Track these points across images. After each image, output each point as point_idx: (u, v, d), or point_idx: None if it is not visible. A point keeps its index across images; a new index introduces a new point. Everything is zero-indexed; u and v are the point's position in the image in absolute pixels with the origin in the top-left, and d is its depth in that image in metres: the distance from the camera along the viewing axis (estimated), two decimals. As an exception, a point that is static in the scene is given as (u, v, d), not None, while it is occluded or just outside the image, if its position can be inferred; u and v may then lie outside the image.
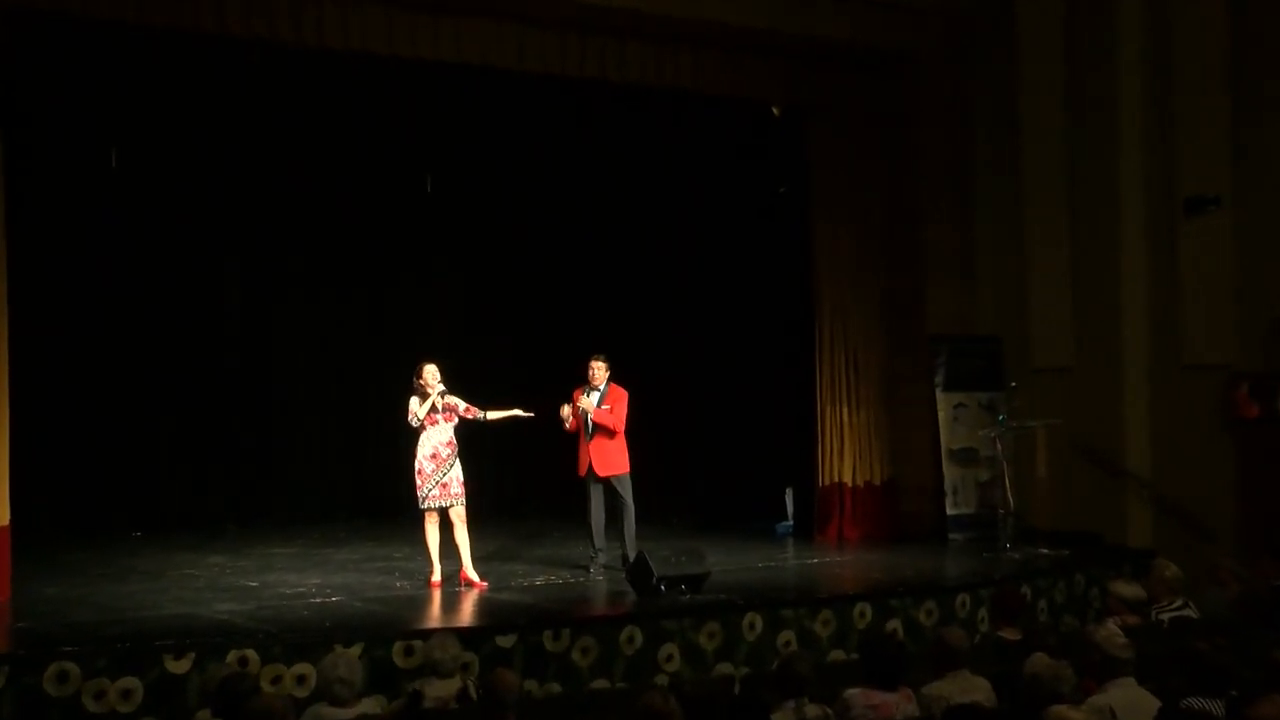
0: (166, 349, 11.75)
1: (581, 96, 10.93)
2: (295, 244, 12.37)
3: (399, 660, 6.41)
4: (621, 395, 8.65)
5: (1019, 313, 10.91)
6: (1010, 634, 6.29)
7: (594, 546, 8.61)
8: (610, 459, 8.57)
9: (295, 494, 12.34)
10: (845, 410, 10.87)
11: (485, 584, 8.04)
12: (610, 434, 8.56)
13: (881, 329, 11.06)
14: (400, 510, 12.48)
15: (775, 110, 10.83)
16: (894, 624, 7.77)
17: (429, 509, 7.96)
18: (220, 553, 9.89)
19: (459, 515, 8.02)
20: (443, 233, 13.12)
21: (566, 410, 8.50)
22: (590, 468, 8.52)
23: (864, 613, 7.71)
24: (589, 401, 8.55)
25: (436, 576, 8.05)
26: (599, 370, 8.64)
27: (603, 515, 8.59)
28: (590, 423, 8.58)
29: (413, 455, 8.01)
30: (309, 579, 8.46)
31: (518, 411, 8.12)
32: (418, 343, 12.66)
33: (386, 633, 6.54)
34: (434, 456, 7.92)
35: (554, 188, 13.13)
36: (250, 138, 11.76)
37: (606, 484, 8.57)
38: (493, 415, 8.18)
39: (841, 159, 10.89)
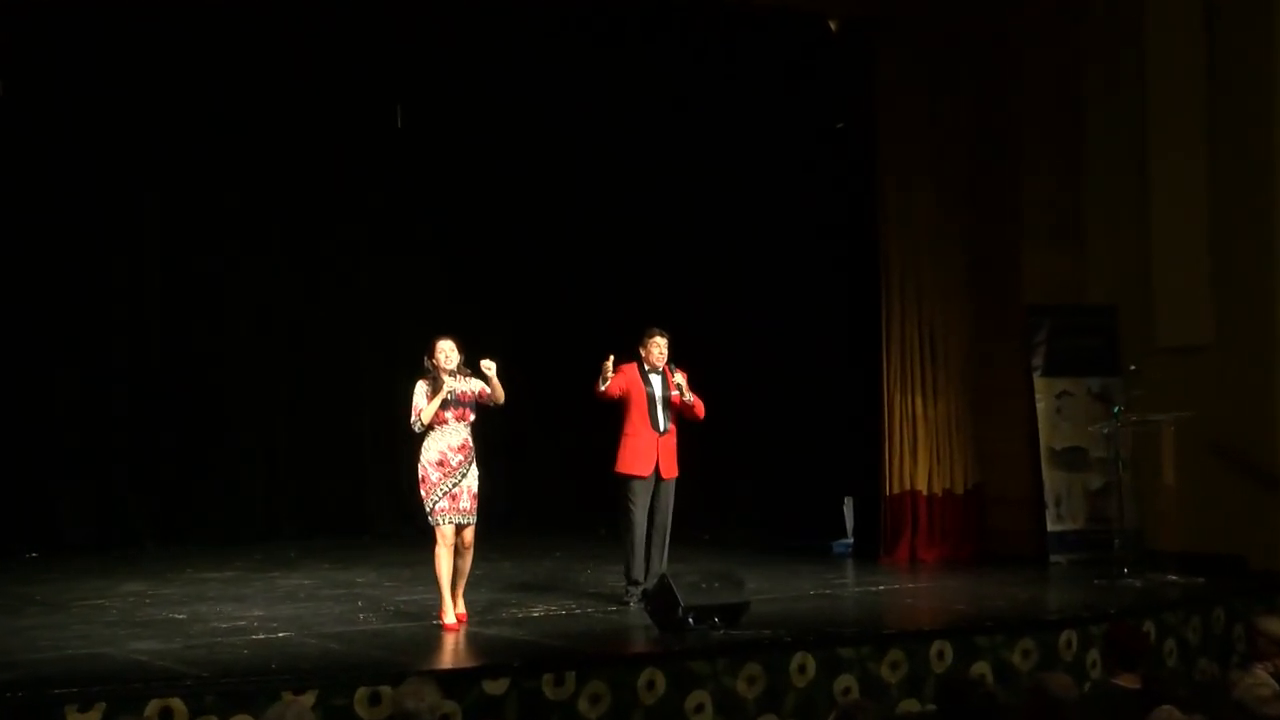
0: (63, 327, 11.75)
1: (590, 10, 10.85)
2: (231, 195, 12.36)
3: (362, 711, 6.40)
4: (683, 374, 8.68)
5: (1140, 278, 10.86)
6: (1129, 682, 6.23)
7: (635, 571, 8.54)
8: (675, 458, 8.58)
9: (231, 506, 12.39)
10: (919, 401, 10.88)
11: (464, 615, 8.01)
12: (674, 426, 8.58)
13: (965, 299, 11.07)
14: (364, 526, 12.73)
15: (832, 25, 10.79)
16: (981, 667, 7.74)
17: (444, 524, 7.80)
18: (137, 578, 9.90)
19: (466, 539, 7.91)
20: (419, 182, 13.13)
21: (610, 369, 8.37)
22: (658, 469, 8.50)
23: (943, 653, 7.68)
24: (683, 381, 8.54)
25: (450, 616, 7.81)
26: (661, 348, 8.58)
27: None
28: (665, 412, 8.56)
29: (415, 457, 7.93)
30: (249, 610, 8.48)
31: (487, 365, 7.85)
32: (390, 320, 12.91)
33: (347, 677, 6.52)
34: (441, 463, 7.82)
35: (557, 127, 13.12)
36: (164, 56, 11.67)
37: (661, 490, 8.56)
38: (495, 387, 7.90)
39: (916, 89, 10.87)
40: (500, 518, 12.92)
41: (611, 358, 8.41)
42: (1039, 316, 10.89)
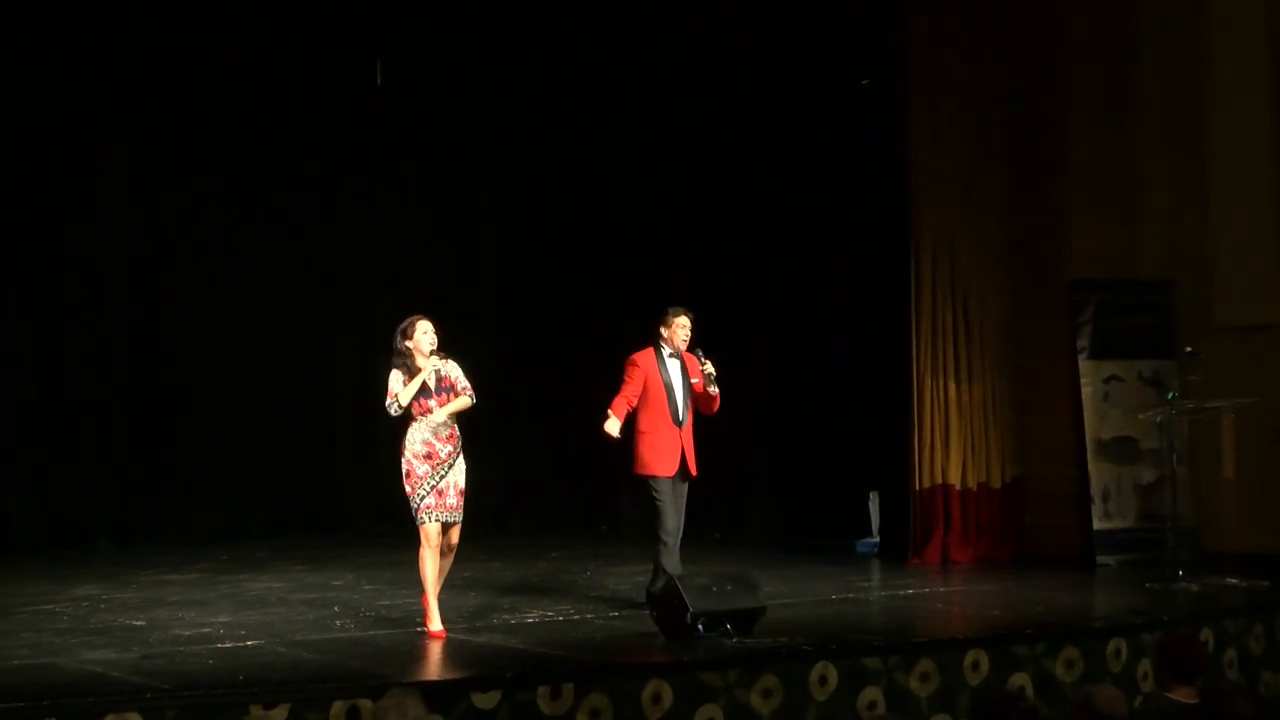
0: (7, 307, 11.74)
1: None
2: (196, 169, 12.37)
3: (339, 727, 6.48)
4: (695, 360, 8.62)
5: (1199, 250, 10.84)
6: (1185, 696, 6.22)
7: (671, 569, 8.47)
8: (695, 455, 8.60)
9: (194, 502, 12.40)
10: (952, 386, 10.89)
11: (444, 631, 7.91)
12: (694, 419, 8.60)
13: (1003, 273, 11.05)
14: (341, 523, 12.75)
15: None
16: (1020, 679, 7.73)
17: (430, 522, 7.79)
18: (91, 581, 9.91)
19: (452, 539, 7.92)
20: (404, 154, 13.09)
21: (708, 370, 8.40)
22: (684, 465, 8.53)
23: (978, 664, 7.67)
24: (713, 370, 8.51)
25: (437, 623, 7.81)
26: (687, 330, 8.56)
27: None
28: (684, 402, 8.54)
29: (399, 451, 7.93)
30: (215, 616, 8.48)
31: (461, 404, 7.91)
32: (370, 302, 12.89)
33: (322, 689, 6.50)
34: (428, 455, 7.81)
35: (549, 86, 13.09)
36: (127, 16, 11.68)
37: (684, 489, 8.59)
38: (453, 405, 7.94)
39: (950, 40, 10.84)
40: (492, 515, 13.02)
41: (611, 419, 8.42)
42: (1085, 292, 10.87)
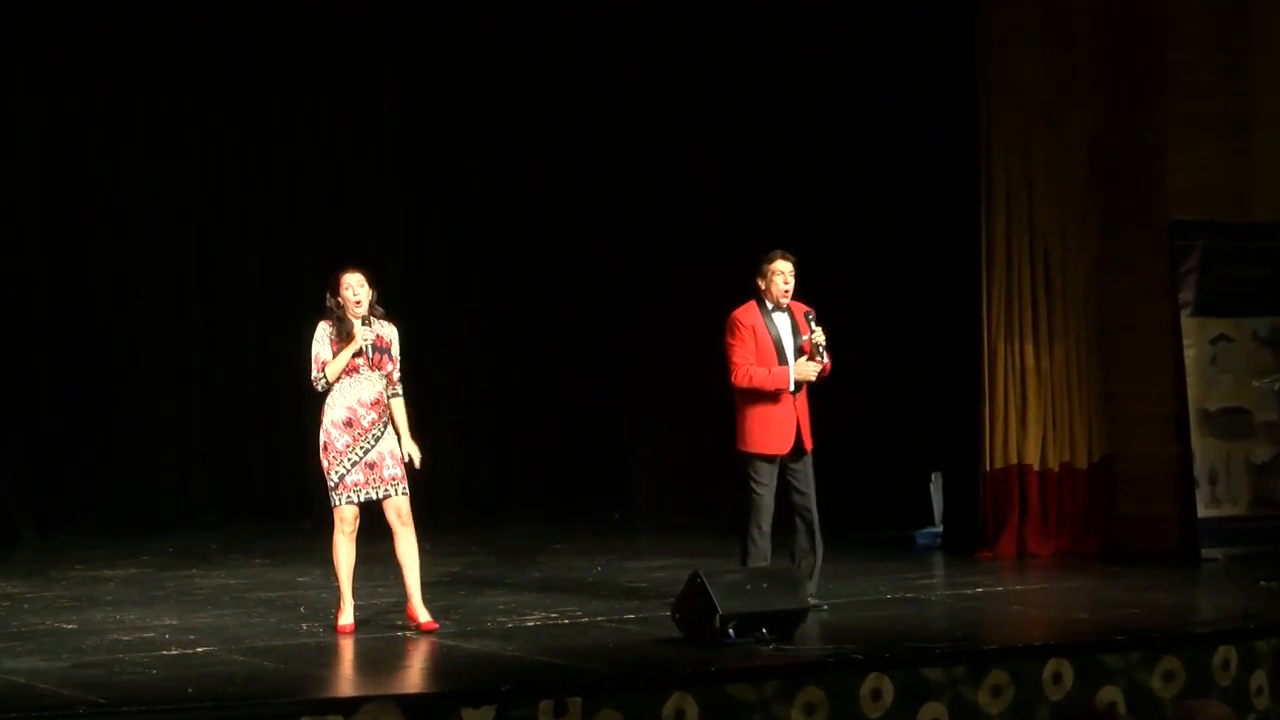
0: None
1: None
2: (135, 113, 12.34)
3: (305, 748, 6.49)
4: (806, 311, 8.64)
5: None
6: (1307, 712, 6.23)
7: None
8: (810, 425, 8.60)
9: (133, 486, 12.43)
10: (1029, 349, 10.88)
11: (436, 625, 8.03)
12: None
13: (1091, 215, 11.04)
14: (304, 509, 12.61)
15: None
16: (1111, 693, 7.67)
17: (342, 504, 7.89)
18: (11, 578, 9.93)
19: (400, 512, 7.97)
20: (381, 93, 13.10)
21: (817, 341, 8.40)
22: (799, 440, 8.54)
23: (1060, 675, 7.62)
24: (821, 335, 8.49)
25: (348, 617, 8.00)
26: (785, 277, 8.51)
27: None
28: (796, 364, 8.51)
29: (318, 419, 7.96)
30: (158, 618, 8.49)
31: (411, 454, 7.93)
32: (336, 260, 12.64)
33: (286, 705, 6.49)
34: (349, 423, 7.88)
35: (545, 21, 13.04)
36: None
37: (803, 465, 8.61)
38: (394, 411, 7.94)
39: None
40: (484, 502, 13.04)
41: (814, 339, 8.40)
42: (1188, 237, 10.85)
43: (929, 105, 11.45)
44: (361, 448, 7.89)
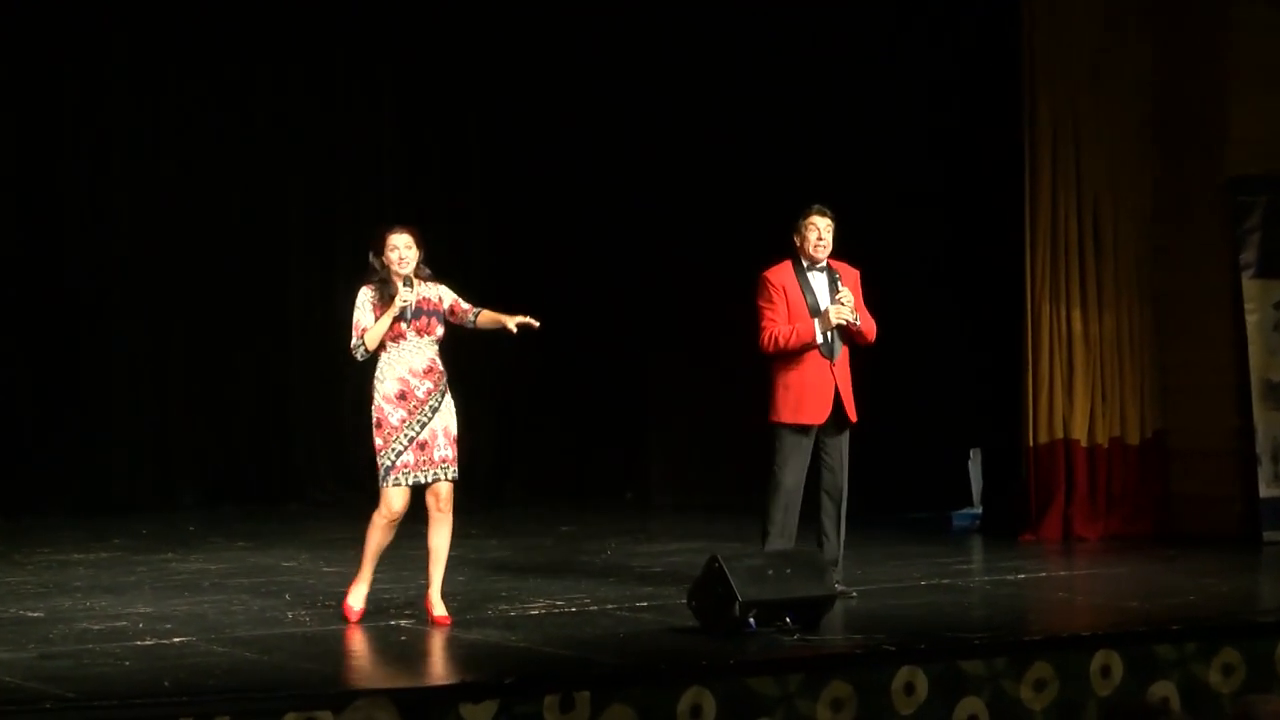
0: None
1: None
2: (111, 49, 12.34)
3: (291, 745, 6.50)
4: (854, 275, 8.68)
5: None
6: (1380, 708, 6.18)
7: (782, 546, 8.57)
8: (853, 395, 8.62)
9: (106, 463, 12.44)
10: (1076, 314, 10.88)
11: (450, 620, 8.02)
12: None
13: (1144, 168, 11.02)
14: (291, 491, 12.77)
15: None
16: (1164, 689, 7.67)
17: (396, 485, 7.83)
18: (-25, 562, 10.04)
19: (442, 498, 7.93)
20: (375, 48, 13.08)
21: (843, 306, 8.40)
22: (838, 409, 8.55)
23: (1109, 668, 7.63)
24: (849, 297, 8.46)
25: (359, 599, 7.98)
26: (820, 232, 8.51)
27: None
28: (835, 334, 8.49)
29: (369, 394, 7.89)
30: (132, 606, 8.50)
31: (520, 320, 7.99)
32: (329, 221, 12.87)
33: (270, 699, 6.49)
34: (403, 396, 7.84)
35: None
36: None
37: (839, 441, 8.61)
38: (485, 319, 8.06)
39: None
40: (485, 479, 13.02)
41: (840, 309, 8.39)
42: (1250, 193, 10.81)
43: (967, 46, 11.44)
44: (419, 422, 7.83)
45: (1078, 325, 10.87)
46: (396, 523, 7.89)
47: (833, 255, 8.60)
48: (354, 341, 7.83)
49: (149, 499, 12.33)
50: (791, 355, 8.48)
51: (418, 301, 7.86)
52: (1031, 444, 10.88)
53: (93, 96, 12.42)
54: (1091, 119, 10.87)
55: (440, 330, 7.92)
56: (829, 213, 8.55)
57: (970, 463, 11.73)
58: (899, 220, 12.00)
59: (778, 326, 8.46)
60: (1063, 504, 10.81)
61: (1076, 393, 10.84)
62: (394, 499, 7.81)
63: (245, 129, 12.83)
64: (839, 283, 8.52)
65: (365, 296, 7.85)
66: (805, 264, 8.55)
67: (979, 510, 11.56)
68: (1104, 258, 10.91)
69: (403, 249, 7.84)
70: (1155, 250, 11.04)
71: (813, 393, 8.49)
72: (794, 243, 8.58)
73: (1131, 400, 10.96)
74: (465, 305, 8.01)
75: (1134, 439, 10.96)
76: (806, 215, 8.54)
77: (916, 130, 11.89)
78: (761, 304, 8.51)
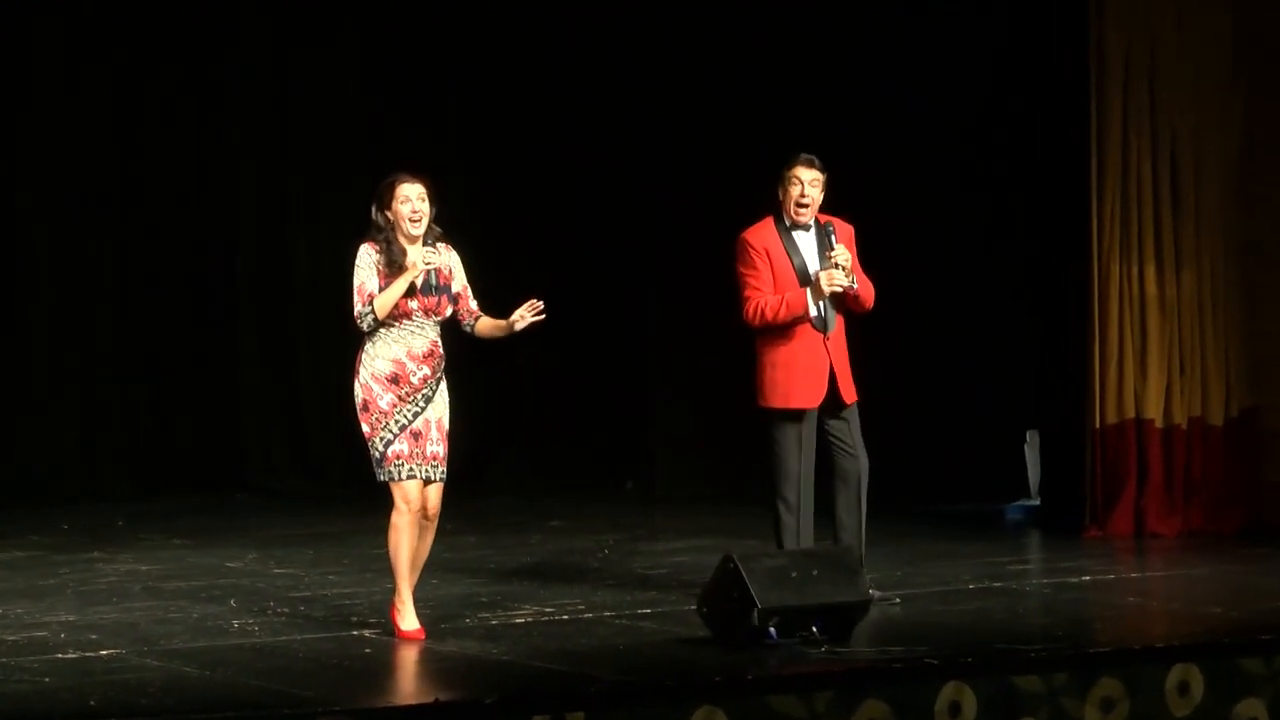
0: None
1: None
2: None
3: (237, 774, 6.49)
4: (849, 231, 8.65)
5: None
6: None
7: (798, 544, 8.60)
8: (850, 372, 8.66)
9: (23, 449, 12.52)
10: (1151, 275, 10.91)
11: (424, 634, 8.01)
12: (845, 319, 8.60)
13: (1231, 105, 11.04)
14: (236, 479, 12.83)
15: None
16: (1252, 707, 7.68)
17: (402, 478, 7.89)
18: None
19: (436, 504, 8.03)
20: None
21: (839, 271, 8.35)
22: (835, 390, 8.57)
23: (1187, 685, 7.62)
24: (844, 256, 8.38)
25: (411, 620, 7.95)
26: (803, 187, 8.47)
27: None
28: (828, 303, 8.47)
29: (352, 369, 7.86)
30: (53, 613, 8.58)
31: (523, 316, 7.96)
32: (279, 166, 13.00)
33: (210, 720, 6.60)
34: (395, 379, 7.86)
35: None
36: None
37: (846, 421, 8.65)
38: (485, 327, 8.04)
39: None
40: (466, 469, 12.97)
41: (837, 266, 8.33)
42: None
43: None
44: (411, 410, 7.86)
45: (1152, 288, 10.89)
46: (419, 517, 7.92)
47: (841, 213, 8.53)
48: (360, 308, 7.75)
49: (72, 490, 12.41)
50: (780, 330, 8.47)
51: (435, 272, 7.79)
52: (1098, 425, 10.93)
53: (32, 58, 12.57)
54: (1169, 43, 10.88)
55: (449, 311, 7.89)
56: (817, 163, 8.45)
57: (1027, 447, 11.80)
58: (946, 171, 12.09)
59: (763, 296, 8.42)
60: (1134, 494, 10.86)
61: (1150, 366, 10.88)
62: (409, 490, 7.86)
63: (181, 95, 12.97)
64: (833, 238, 8.43)
65: (368, 256, 7.78)
66: (788, 223, 8.50)
67: (1037, 502, 11.65)
68: (1182, 211, 10.93)
69: (415, 200, 7.78)
70: (1243, 203, 11.07)
71: (805, 373, 8.51)
72: (777, 196, 8.51)
73: (1215, 374, 10.99)
74: (473, 304, 7.98)
75: (1218, 419, 10.99)
76: (791, 165, 8.45)
77: (970, 62, 11.98)
78: (742, 270, 8.47)
